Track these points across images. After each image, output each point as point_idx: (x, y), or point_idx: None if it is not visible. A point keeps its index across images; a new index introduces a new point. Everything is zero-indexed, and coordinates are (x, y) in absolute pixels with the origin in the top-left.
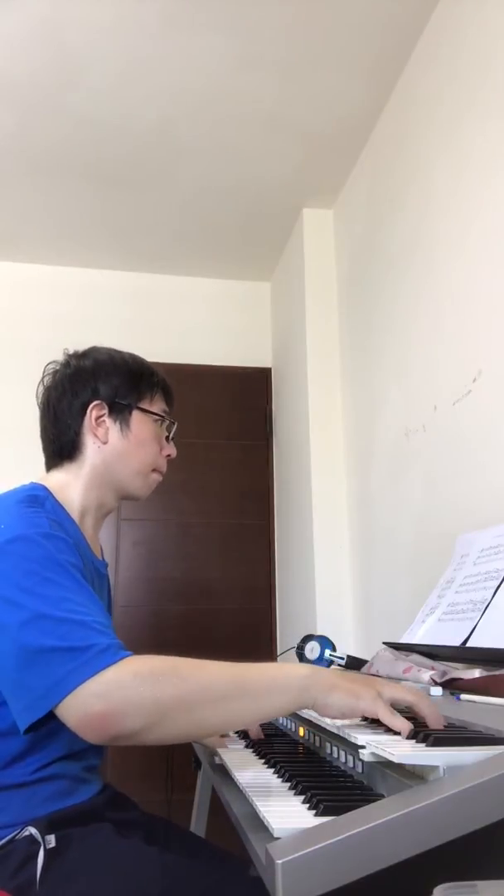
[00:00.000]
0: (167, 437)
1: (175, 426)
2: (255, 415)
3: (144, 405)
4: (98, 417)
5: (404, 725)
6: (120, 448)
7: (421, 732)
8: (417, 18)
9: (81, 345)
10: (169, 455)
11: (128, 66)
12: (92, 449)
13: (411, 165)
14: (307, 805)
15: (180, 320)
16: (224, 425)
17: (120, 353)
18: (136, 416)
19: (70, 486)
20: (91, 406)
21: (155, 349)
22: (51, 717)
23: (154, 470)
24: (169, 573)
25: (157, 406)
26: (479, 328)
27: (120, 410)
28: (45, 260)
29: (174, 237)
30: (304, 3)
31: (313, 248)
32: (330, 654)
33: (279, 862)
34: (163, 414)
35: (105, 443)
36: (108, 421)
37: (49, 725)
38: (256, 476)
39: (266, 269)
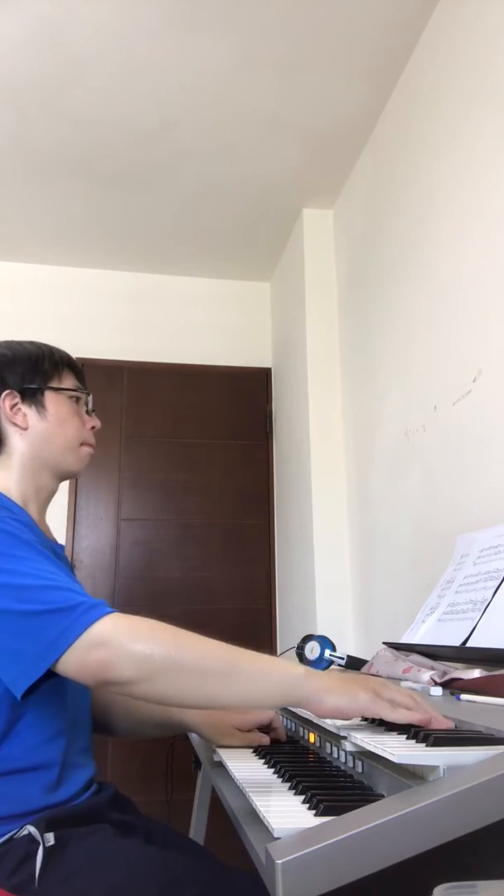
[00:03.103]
0: (87, 412)
1: (90, 398)
2: (255, 415)
3: (54, 384)
4: (12, 406)
5: (409, 715)
6: (42, 430)
7: (421, 732)
8: (417, 18)
9: (81, 345)
10: (94, 427)
11: (127, 66)
12: (15, 438)
13: (412, 165)
14: (307, 805)
15: (180, 320)
16: (224, 425)
17: (20, 343)
18: (49, 396)
19: (4, 478)
20: (3, 397)
21: (155, 349)
22: (43, 681)
23: (82, 444)
24: (169, 573)
25: (68, 383)
26: (479, 328)
27: (32, 394)
28: (45, 260)
29: (174, 237)
30: (304, 3)
31: (313, 248)
32: (330, 654)
33: (279, 862)
34: (75, 389)
35: (26, 429)
36: (23, 407)
37: (30, 707)
38: (256, 476)
39: (266, 269)
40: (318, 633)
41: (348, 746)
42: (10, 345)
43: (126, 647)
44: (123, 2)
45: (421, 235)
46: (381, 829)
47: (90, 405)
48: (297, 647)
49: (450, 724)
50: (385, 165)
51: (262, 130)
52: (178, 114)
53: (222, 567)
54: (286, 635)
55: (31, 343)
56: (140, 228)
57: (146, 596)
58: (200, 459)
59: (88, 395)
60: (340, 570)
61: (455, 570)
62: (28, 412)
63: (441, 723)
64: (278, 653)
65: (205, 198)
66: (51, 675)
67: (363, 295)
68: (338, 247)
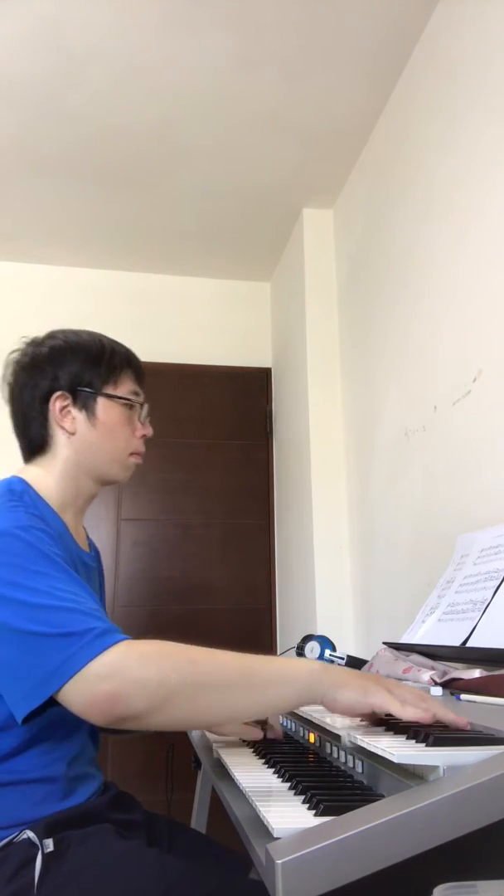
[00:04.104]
0: (140, 418)
1: (146, 408)
2: (255, 415)
3: (109, 390)
4: (62, 408)
5: (417, 713)
6: (90, 438)
7: (421, 732)
8: (417, 18)
9: None
10: (144, 435)
11: (128, 67)
12: (62, 441)
13: (411, 165)
14: (307, 805)
15: (180, 320)
16: (224, 425)
17: (77, 334)
18: (101, 402)
19: (46, 479)
20: (54, 398)
21: (155, 349)
22: (47, 707)
23: (132, 454)
24: (169, 573)
25: (125, 388)
26: (479, 328)
27: (84, 398)
28: (45, 260)
29: (174, 237)
30: (304, 4)
31: (313, 248)
32: (330, 654)
33: (279, 862)
34: (130, 397)
35: (73, 433)
36: (73, 411)
37: (45, 721)
38: (256, 476)
39: (266, 269)
40: (318, 633)
41: (348, 746)
42: (66, 337)
43: (137, 676)
44: (123, 2)
45: (421, 235)
46: (381, 829)
47: (144, 413)
48: (297, 647)
49: (465, 723)
50: (385, 165)
51: (262, 131)
52: (179, 114)
53: (222, 567)
54: (286, 635)
55: (91, 336)
56: (140, 228)
57: (146, 596)
58: (200, 459)
59: (144, 404)
60: (340, 570)
61: (455, 570)
62: (78, 416)
63: (458, 722)
64: (278, 653)
65: (205, 198)
66: (56, 703)
67: (363, 295)
68: (338, 247)
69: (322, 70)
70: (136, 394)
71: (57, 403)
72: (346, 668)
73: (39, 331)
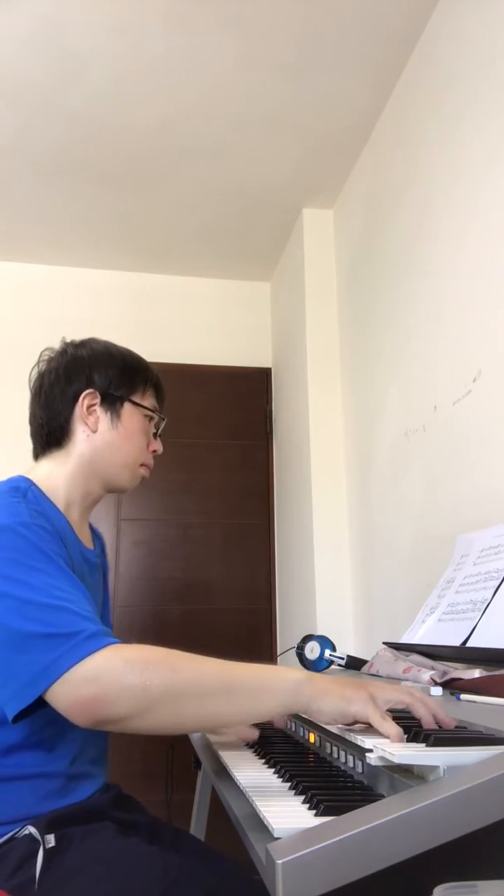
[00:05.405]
0: (155, 434)
1: (164, 422)
2: (255, 415)
3: (136, 398)
4: (90, 406)
5: (393, 730)
6: (109, 438)
7: (421, 732)
8: (417, 18)
9: None
10: (155, 451)
11: (129, 67)
12: (81, 437)
13: (411, 165)
14: (307, 805)
15: (180, 320)
16: (224, 425)
17: (117, 346)
18: (127, 408)
19: (55, 474)
20: (84, 394)
21: (155, 349)
22: (38, 708)
23: (142, 464)
24: (169, 573)
25: (149, 401)
26: (479, 328)
27: (112, 401)
28: (45, 260)
29: (174, 237)
30: (304, 4)
31: (313, 248)
32: (330, 654)
33: (279, 862)
34: (153, 410)
35: (94, 431)
36: (98, 410)
37: (46, 717)
38: (256, 476)
39: (266, 269)
40: (318, 633)
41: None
42: (107, 345)
43: (120, 682)
44: (123, 2)
45: (420, 235)
46: (381, 829)
47: (160, 429)
48: (297, 648)
49: (451, 724)
50: (385, 165)
51: (262, 130)
52: (179, 114)
53: (222, 567)
54: (286, 635)
55: (129, 351)
56: (140, 228)
57: (146, 596)
58: (200, 459)
59: (164, 419)
60: (340, 570)
61: (455, 570)
62: (102, 417)
63: (439, 715)
64: (278, 653)
65: (205, 198)
66: (46, 703)
67: (363, 295)
68: (338, 247)
69: (322, 70)
70: (157, 411)
71: (86, 401)
72: (331, 676)
73: (39, 331)
